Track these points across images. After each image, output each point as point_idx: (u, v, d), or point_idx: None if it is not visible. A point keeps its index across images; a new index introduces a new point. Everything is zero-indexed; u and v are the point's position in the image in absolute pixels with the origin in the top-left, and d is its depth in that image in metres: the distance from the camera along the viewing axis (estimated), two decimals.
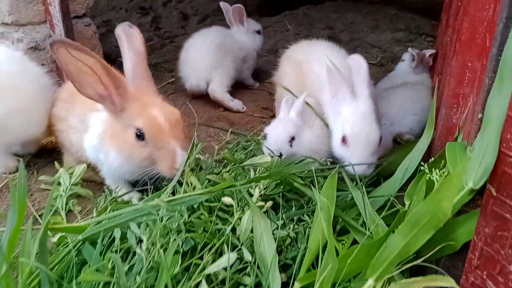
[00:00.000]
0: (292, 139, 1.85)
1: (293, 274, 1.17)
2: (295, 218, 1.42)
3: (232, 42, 3.06)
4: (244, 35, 3.14)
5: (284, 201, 1.50)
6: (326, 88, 1.93)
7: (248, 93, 3.13)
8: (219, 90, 2.87)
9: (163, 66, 3.57)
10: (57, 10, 2.36)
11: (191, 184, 1.44)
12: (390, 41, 3.95)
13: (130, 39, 1.75)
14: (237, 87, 3.12)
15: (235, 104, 2.88)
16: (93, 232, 1.27)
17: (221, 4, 3.16)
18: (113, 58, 3.10)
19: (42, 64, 2.52)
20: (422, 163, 1.48)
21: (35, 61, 2.17)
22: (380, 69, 3.49)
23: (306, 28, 4.40)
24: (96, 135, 1.69)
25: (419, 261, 1.09)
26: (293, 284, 1.12)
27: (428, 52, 2.92)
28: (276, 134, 1.85)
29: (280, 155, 1.79)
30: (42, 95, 2.03)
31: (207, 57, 2.89)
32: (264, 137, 1.93)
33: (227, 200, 1.28)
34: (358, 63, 1.82)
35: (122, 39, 1.76)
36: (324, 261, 1.08)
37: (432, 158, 1.52)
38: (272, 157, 1.76)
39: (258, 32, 3.20)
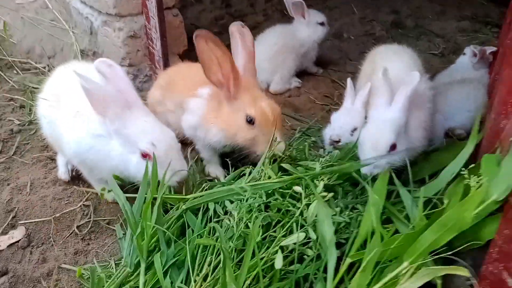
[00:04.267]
0: (354, 129, 2.13)
1: (346, 251, 1.50)
2: (349, 205, 1.75)
3: (293, 41, 3.17)
4: (305, 27, 3.20)
5: (341, 189, 1.83)
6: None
7: (312, 80, 3.33)
8: (279, 87, 3.16)
9: None
10: (153, 4, 2.73)
11: (266, 172, 1.79)
12: (454, 30, 3.98)
13: (243, 38, 2.00)
14: (300, 74, 3.33)
15: (294, 84, 3.22)
16: (195, 204, 1.68)
17: None
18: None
19: (138, 50, 2.95)
20: (463, 168, 1.70)
21: None
22: (441, 59, 3.58)
23: (372, 12, 4.48)
24: (195, 116, 2.05)
25: (449, 253, 1.37)
26: (345, 259, 1.45)
27: (489, 50, 2.97)
28: (340, 123, 2.15)
29: (339, 141, 2.10)
30: None
31: (268, 63, 3.08)
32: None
33: (297, 188, 1.63)
34: (412, 80, 1.86)
35: (235, 37, 2.01)
36: (371, 245, 1.38)
37: (473, 165, 1.75)
38: (331, 144, 2.11)
39: (322, 23, 3.23)
